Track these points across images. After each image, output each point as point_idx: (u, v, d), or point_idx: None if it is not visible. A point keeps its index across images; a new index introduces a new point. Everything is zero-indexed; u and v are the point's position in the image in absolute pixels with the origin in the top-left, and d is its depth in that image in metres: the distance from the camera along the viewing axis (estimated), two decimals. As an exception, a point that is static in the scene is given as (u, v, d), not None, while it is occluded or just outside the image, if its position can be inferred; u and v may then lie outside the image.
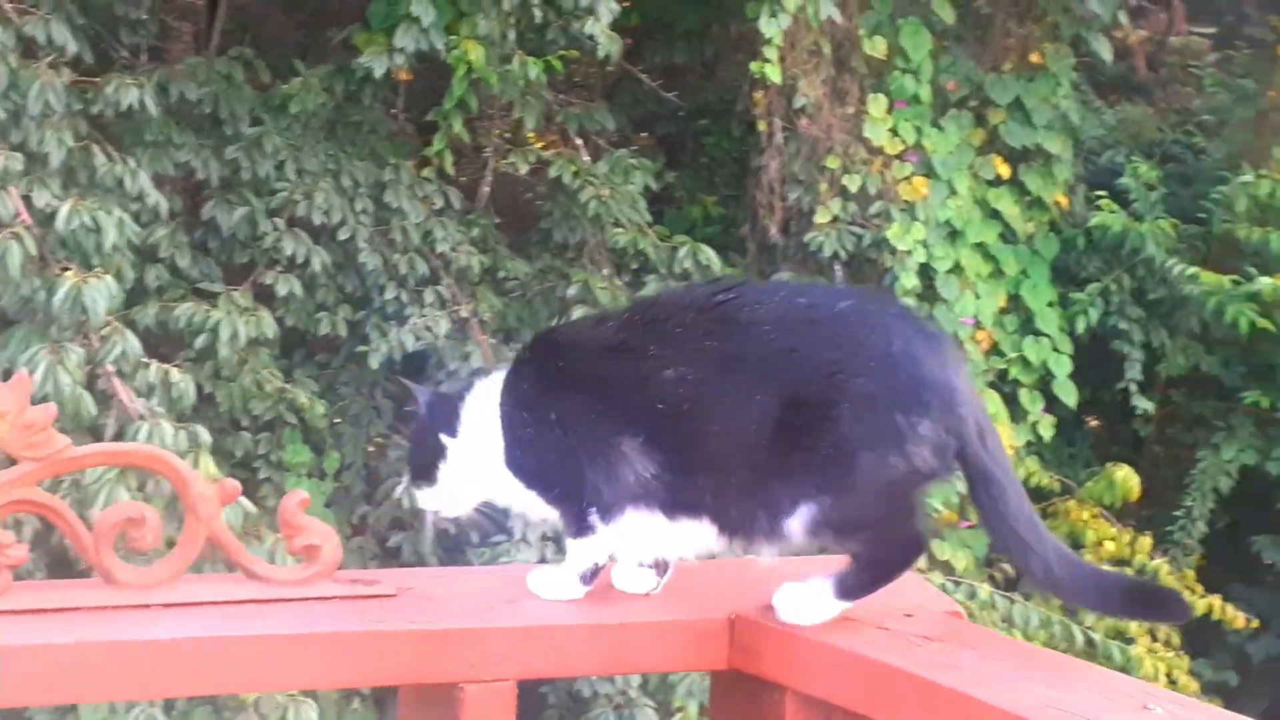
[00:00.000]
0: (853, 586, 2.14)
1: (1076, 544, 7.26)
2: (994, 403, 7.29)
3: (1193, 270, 7.52)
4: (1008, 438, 7.31)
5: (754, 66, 6.67)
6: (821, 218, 7.04)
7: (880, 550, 2.14)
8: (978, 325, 7.35)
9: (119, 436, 4.87)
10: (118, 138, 5.88)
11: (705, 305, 2.17)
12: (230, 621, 2.04)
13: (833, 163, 7.06)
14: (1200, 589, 7.22)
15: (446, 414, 2.28)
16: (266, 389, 5.92)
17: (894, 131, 7.20)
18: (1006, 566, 6.82)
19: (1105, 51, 7.70)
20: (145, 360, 4.99)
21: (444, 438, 2.27)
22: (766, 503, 2.12)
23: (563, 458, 2.19)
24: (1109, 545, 7.18)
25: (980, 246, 7.42)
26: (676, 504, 2.18)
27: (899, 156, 7.20)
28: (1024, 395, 7.52)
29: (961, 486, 2.16)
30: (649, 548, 2.24)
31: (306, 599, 2.09)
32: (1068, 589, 2.21)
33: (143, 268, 5.78)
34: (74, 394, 4.65)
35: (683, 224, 7.50)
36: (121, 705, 5.37)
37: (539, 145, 7.11)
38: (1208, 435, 8.03)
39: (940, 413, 2.08)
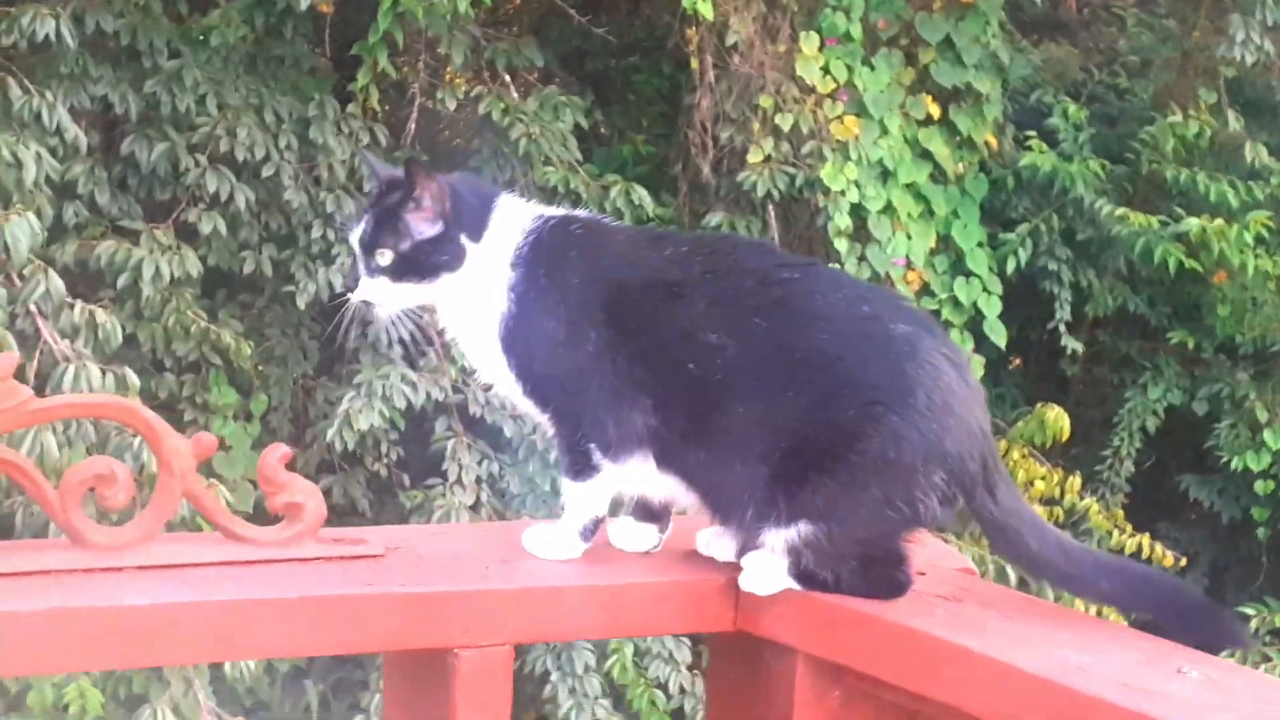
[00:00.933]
0: (815, 582, 2.06)
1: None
2: (925, 343, 7.26)
3: (1121, 211, 7.53)
4: (938, 378, 7.29)
5: (685, 2, 6.53)
6: (754, 157, 6.94)
7: (858, 583, 2.05)
8: (909, 266, 7.30)
9: (43, 380, 4.70)
10: (31, 70, 5.66)
11: (768, 277, 2.07)
12: (209, 585, 1.92)
13: (765, 101, 6.97)
14: (1129, 528, 7.26)
15: (474, 213, 2.13)
16: (191, 330, 5.75)
17: (826, 70, 7.10)
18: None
19: (1035, -10, 7.66)
20: (70, 300, 4.81)
21: (465, 239, 2.13)
22: (761, 504, 2.03)
23: (574, 372, 2.07)
24: (1039, 485, 7.19)
25: (911, 187, 7.36)
26: (670, 463, 2.09)
27: (831, 95, 7.11)
28: (954, 336, 7.49)
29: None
30: (641, 493, 2.14)
31: (290, 560, 1.97)
32: (1072, 577, 2.12)
33: (60, 205, 5.58)
34: (-3, 336, 4.47)
35: (613, 163, 7.37)
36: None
37: (463, 82, 6.96)
38: (1134, 375, 8.08)
39: (959, 468, 2.02)
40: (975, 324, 7.56)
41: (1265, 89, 8.46)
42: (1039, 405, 7.36)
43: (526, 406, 2.14)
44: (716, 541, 2.16)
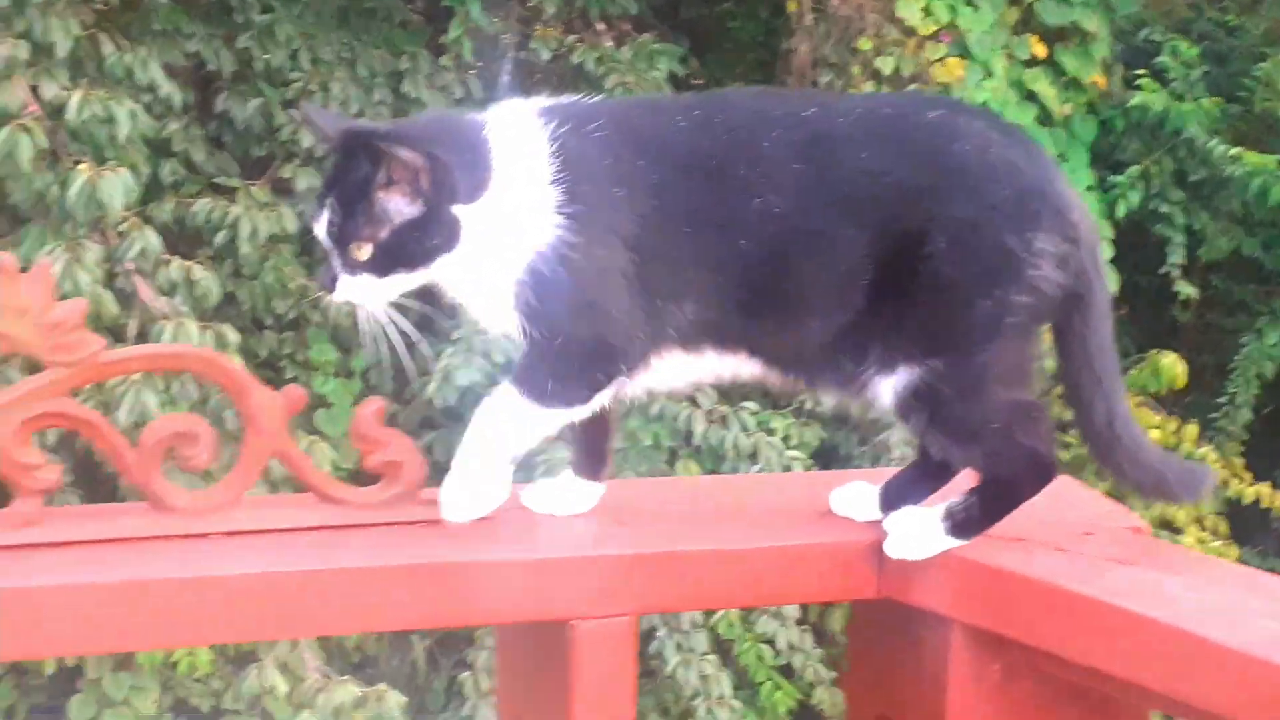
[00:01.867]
0: (965, 521, 1.87)
1: (1121, 433, 7.08)
2: (1033, 292, 7.09)
3: (1235, 150, 7.29)
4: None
5: (784, -57, 6.40)
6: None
7: (1002, 465, 1.86)
8: (1016, 211, 7.12)
9: (142, 337, 4.65)
10: (124, 28, 5.61)
11: (793, 121, 1.86)
12: (301, 552, 1.79)
13: (865, 44, 6.80)
14: (1249, 476, 7.05)
15: (466, 171, 1.80)
16: (290, 286, 5.70)
17: (927, 11, 6.92)
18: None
19: (1144, -77, 7.42)
20: (166, 257, 4.76)
21: (458, 209, 1.82)
22: (856, 351, 1.85)
23: (622, 296, 1.82)
24: (1154, 434, 6.97)
25: (1017, 129, 7.17)
26: (730, 342, 1.90)
27: (933, 37, 6.92)
28: (1063, 283, 7.31)
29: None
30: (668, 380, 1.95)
31: (390, 524, 1.83)
32: (1119, 453, 1.93)
33: (156, 163, 5.53)
34: (94, 293, 4.41)
35: (710, 111, 7.24)
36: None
37: (556, 33, 6.84)
38: (1249, 321, 7.83)
39: (1052, 220, 1.83)
40: (1085, 270, 7.36)
41: (1384, 21, 8.17)
42: (1153, 352, 7.15)
43: (524, 332, 1.89)
44: (856, 501, 1.99)
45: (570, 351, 1.84)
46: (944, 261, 1.81)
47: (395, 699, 4.50)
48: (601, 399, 1.89)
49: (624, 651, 1.81)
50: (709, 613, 5.75)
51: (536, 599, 1.81)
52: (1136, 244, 7.78)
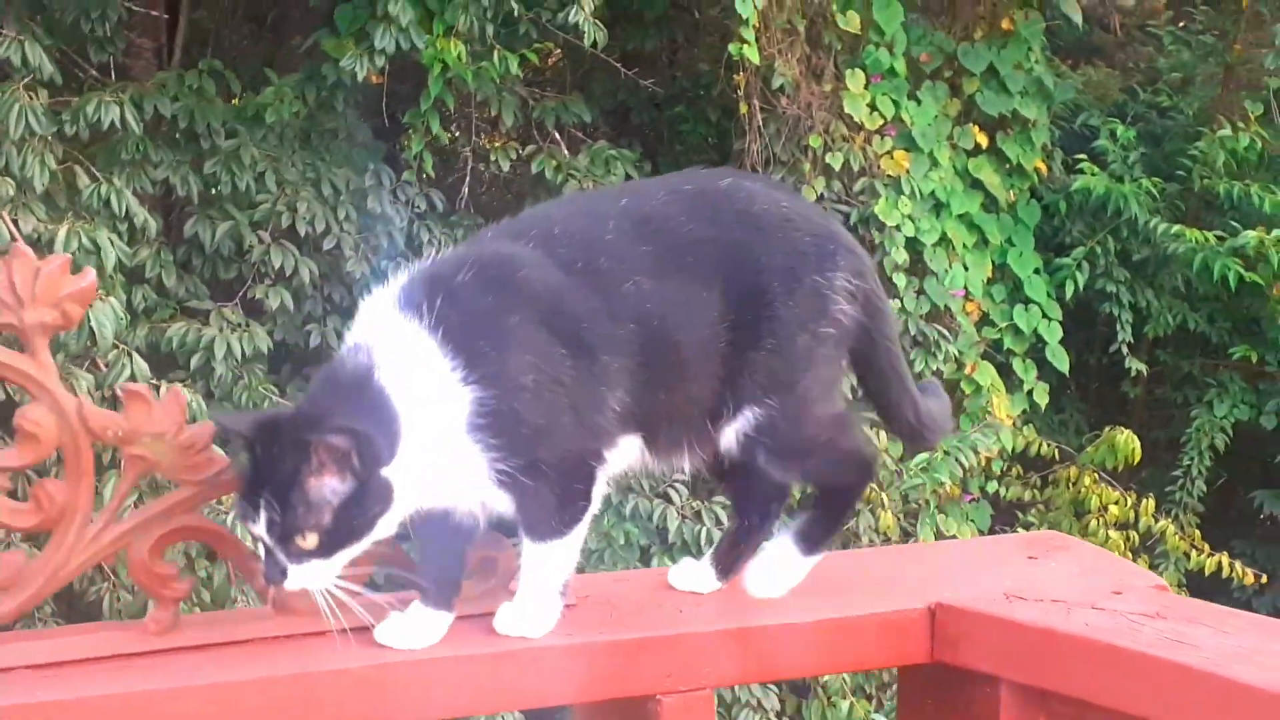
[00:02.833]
0: (815, 533, 2.06)
1: (1081, 510, 7.24)
2: (988, 374, 7.26)
3: (1177, 228, 7.51)
4: (1004, 408, 7.27)
5: (732, 48, 6.58)
6: (807, 197, 6.95)
7: (831, 473, 2.05)
8: (967, 296, 7.30)
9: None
10: (92, 158, 5.72)
11: (616, 211, 1.97)
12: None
13: (815, 141, 6.98)
14: (1206, 548, 7.21)
15: (382, 432, 1.77)
16: (263, 406, 5.77)
17: (873, 106, 7.12)
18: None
19: (1074, 13, 7.67)
20: (154, 381, 4.84)
21: (387, 473, 1.78)
22: (713, 408, 1.98)
23: (558, 406, 1.87)
24: (1114, 510, 7.14)
25: (964, 217, 7.37)
26: (630, 427, 1.97)
27: (879, 131, 7.13)
28: (1017, 364, 7.48)
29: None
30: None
31: (488, 614, 1.92)
32: (925, 433, 2.18)
33: (129, 289, 5.62)
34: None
35: (665, 213, 7.38)
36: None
37: (514, 143, 7.00)
38: (1198, 393, 8.03)
39: (846, 259, 2.02)
40: (1037, 351, 7.54)
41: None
42: (1107, 429, 7.32)
43: (502, 493, 1.89)
44: (694, 575, 2.10)
45: (552, 478, 1.90)
46: (779, 305, 1.97)
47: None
48: (599, 491, 1.97)
49: None
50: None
51: (624, 676, 1.92)
52: (1084, 323, 7.98)
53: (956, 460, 6.70)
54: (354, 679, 1.81)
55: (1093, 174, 7.58)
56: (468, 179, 6.75)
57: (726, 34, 6.84)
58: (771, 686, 6.05)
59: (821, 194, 6.96)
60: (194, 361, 5.56)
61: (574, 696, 1.97)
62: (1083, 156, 7.73)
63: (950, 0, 7.61)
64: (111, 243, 4.86)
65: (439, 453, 1.82)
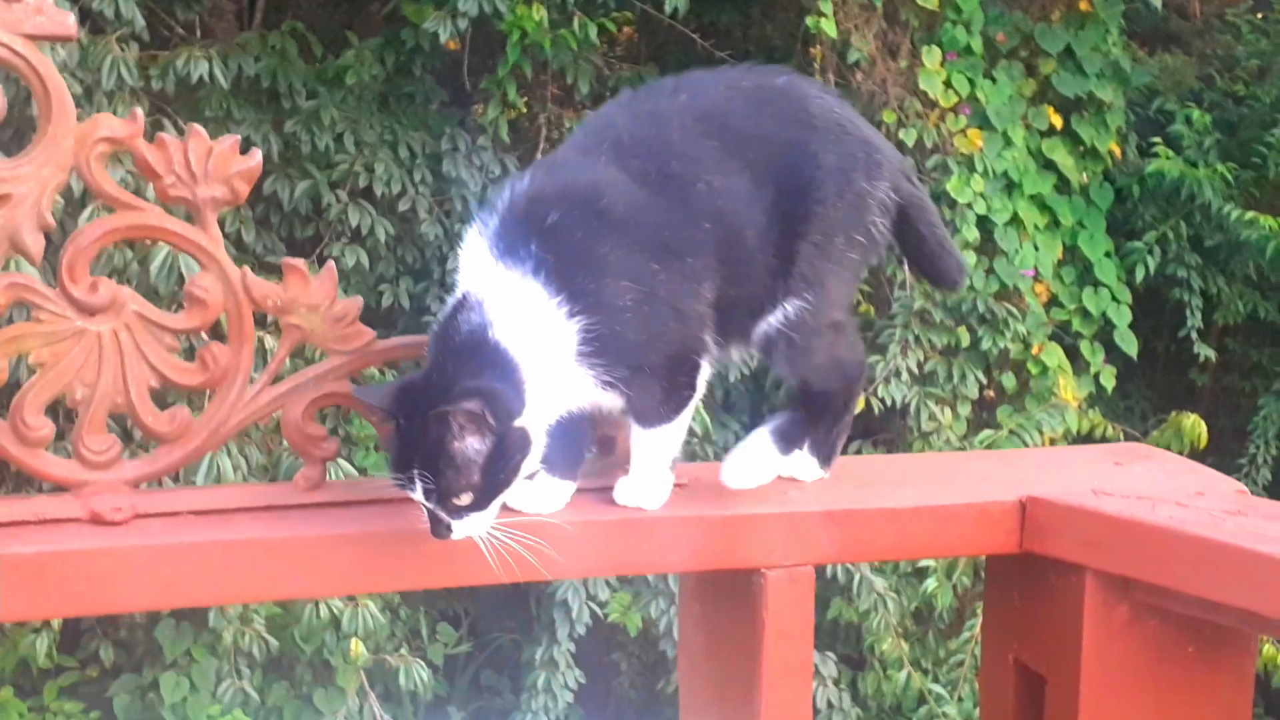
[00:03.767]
0: (793, 433, 2.14)
1: (1145, 494, 7.20)
2: (1055, 355, 7.25)
3: (1250, 214, 7.47)
4: (1070, 390, 7.26)
5: (810, 21, 6.60)
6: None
7: (820, 377, 2.11)
8: (1037, 277, 7.29)
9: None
10: (177, 114, 5.82)
11: (677, 108, 2.03)
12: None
13: (889, 116, 6.99)
14: (1273, 535, 7.16)
15: (510, 386, 1.88)
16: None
17: (948, 84, 7.12)
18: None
19: (1154, -3, 7.63)
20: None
21: (520, 422, 1.90)
22: (760, 301, 2.06)
23: (658, 316, 1.97)
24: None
25: (1036, 198, 7.36)
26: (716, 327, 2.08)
27: (953, 109, 7.13)
28: (1085, 347, 7.47)
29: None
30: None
31: (607, 487, 2.06)
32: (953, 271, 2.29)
33: (210, 242, 5.70)
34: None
35: (737, 185, 7.41)
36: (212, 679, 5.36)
37: (586, 111, 7.04)
38: (1266, 382, 7.99)
39: (890, 170, 2.09)
40: (1105, 334, 7.52)
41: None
42: (1173, 414, 7.29)
43: (611, 394, 1.99)
44: (796, 462, 2.18)
45: (657, 376, 2.00)
46: (830, 205, 2.03)
47: None
48: (703, 378, 2.07)
49: (806, 597, 2.04)
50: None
51: (735, 549, 2.04)
52: (1153, 308, 7.95)
53: (1021, 440, 6.70)
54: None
55: (1167, 158, 7.54)
56: (541, 145, 6.80)
57: (802, 9, 6.85)
58: (830, 654, 6.09)
59: (894, 170, 6.96)
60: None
61: (685, 565, 2.12)
62: (1157, 140, 7.70)
63: (1028, -20, 7.59)
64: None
65: (556, 383, 1.94)
